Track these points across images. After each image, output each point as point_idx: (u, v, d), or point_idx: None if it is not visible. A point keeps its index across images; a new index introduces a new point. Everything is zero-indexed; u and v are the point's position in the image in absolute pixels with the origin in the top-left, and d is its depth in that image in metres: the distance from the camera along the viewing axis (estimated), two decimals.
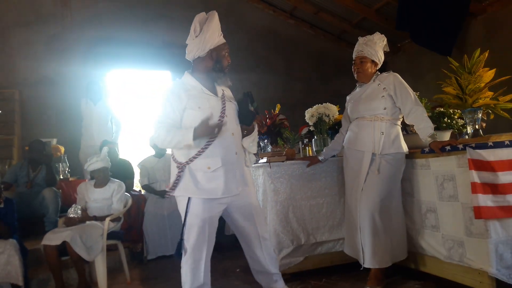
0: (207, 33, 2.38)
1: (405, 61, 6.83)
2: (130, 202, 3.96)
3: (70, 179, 5.38)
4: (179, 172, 2.36)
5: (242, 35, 7.19)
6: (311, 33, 7.50)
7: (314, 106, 3.72)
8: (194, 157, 2.35)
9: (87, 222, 3.58)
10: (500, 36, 5.16)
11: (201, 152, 2.35)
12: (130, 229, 4.52)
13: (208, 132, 2.29)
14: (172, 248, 4.51)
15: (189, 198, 2.33)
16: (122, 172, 4.83)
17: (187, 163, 2.35)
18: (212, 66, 2.44)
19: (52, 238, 3.27)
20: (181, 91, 2.39)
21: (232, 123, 2.47)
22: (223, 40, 2.46)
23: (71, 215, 3.62)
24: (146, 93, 7.14)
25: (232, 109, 2.51)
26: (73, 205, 3.75)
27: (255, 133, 2.61)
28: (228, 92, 2.60)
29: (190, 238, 2.34)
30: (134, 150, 6.56)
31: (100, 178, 3.87)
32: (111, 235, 3.61)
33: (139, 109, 7.06)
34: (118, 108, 5.92)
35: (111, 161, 4.35)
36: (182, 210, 2.38)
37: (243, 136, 2.56)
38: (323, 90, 6.95)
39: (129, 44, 6.57)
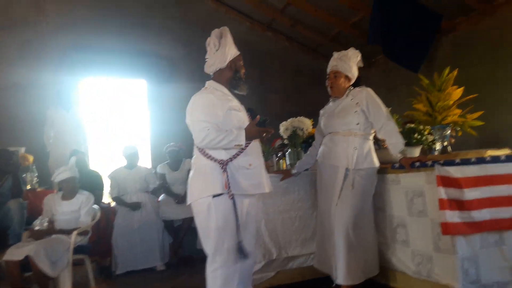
0: (226, 47, 2.58)
1: (379, 75, 6.96)
2: (98, 215, 3.86)
3: (38, 189, 5.21)
4: (223, 170, 2.42)
5: None
6: (288, 45, 7.57)
7: (289, 120, 3.73)
8: (238, 154, 2.45)
9: (53, 236, 3.46)
10: (468, 54, 5.32)
11: (243, 149, 2.46)
12: (98, 242, 4.39)
13: (257, 136, 2.47)
14: (142, 262, 4.41)
15: (233, 196, 2.40)
16: (92, 183, 4.71)
17: (230, 160, 2.44)
18: (232, 75, 2.63)
19: (15, 253, 3.14)
20: (221, 95, 2.55)
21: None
22: (238, 52, 2.67)
23: (37, 228, 3.49)
24: (120, 102, 7.02)
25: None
26: (40, 217, 3.63)
27: None
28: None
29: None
30: (105, 161, 6.41)
31: (68, 189, 3.75)
32: (77, 249, 3.50)
33: (113, 118, 6.92)
34: (90, 117, 5.80)
35: (80, 171, 4.24)
36: (226, 209, 2.38)
37: None
38: (299, 102, 6.98)
39: (105, 52, 6.46)
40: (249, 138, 2.43)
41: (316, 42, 7.26)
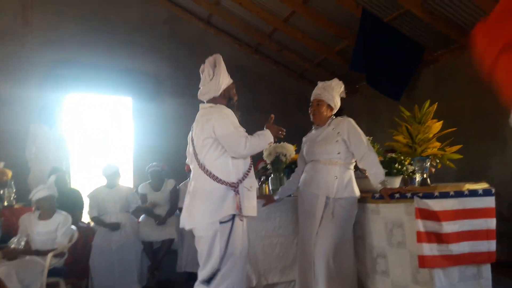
0: (220, 76, 2.65)
1: (362, 102, 7.08)
2: (76, 236, 3.77)
3: (16, 206, 5.07)
4: (235, 192, 2.49)
5: None
6: (275, 69, 7.67)
7: (272, 145, 3.74)
8: (245, 176, 2.57)
9: (27, 257, 3.36)
10: (449, 86, 5.46)
11: (249, 171, 2.60)
12: (75, 264, 4.28)
13: (277, 133, 2.75)
14: (120, 284, 4.31)
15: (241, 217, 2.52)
16: (71, 202, 4.62)
17: (240, 181, 2.53)
18: (226, 103, 2.70)
19: None
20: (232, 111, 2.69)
21: None
22: (231, 80, 2.75)
23: (13, 246, 3.39)
24: (104, 119, 6.97)
25: None
26: (17, 236, 3.53)
27: None
28: None
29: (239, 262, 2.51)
30: (87, 179, 6.31)
31: (45, 208, 3.67)
32: (52, 272, 3.40)
33: (96, 136, 6.85)
34: (74, 134, 5.73)
35: (60, 190, 4.17)
36: (239, 232, 2.51)
37: None
38: (285, 124, 6.99)
39: (91, 68, 6.45)
40: (272, 135, 2.67)
41: (302, 67, 7.37)
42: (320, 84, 3.16)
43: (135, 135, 6.72)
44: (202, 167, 2.55)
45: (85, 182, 6.17)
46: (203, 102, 2.75)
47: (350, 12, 5.29)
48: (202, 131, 2.58)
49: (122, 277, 4.32)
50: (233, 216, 2.49)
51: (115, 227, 4.49)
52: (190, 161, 2.76)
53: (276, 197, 3.33)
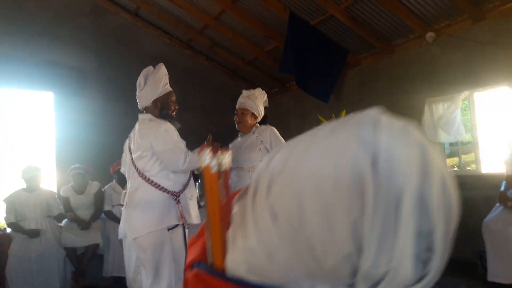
0: (149, 86, 2.67)
1: (292, 101, 7.28)
2: None
3: None
4: (176, 201, 2.52)
5: (135, 60, 6.99)
6: (208, 65, 7.60)
7: None
8: (186, 185, 2.62)
9: None
10: (371, 88, 5.80)
11: (189, 180, 2.63)
12: None
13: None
14: None
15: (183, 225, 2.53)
16: None
17: (181, 191, 2.57)
18: (159, 113, 2.70)
19: None
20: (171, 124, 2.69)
21: None
22: (169, 89, 2.74)
23: None
24: (24, 116, 6.52)
25: None
26: None
27: None
28: None
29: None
30: (4, 182, 5.89)
31: None
32: None
33: (14, 134, 6.40)
34: None
35: None
36: (180, 241, 2.51)
37: None
38: (219, 121, 7.04)
39: (8, 61, 5.97)
40: None
41: (234, 64, 7.39)
42: (244, 93, 3.24)
43: (57, 133, 6.33)
44: (143, 176, 2.55)
45: (2, 186, 5.75)
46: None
47: (278, 14, 5.39)
48: (140, 144, 2.58)
49: (42, 286, 4.13)
50: (177, 225, 2.53)
51: (34, 233, 4.26)
52: (127, 170, 2.73)
53: (202, 204, 3.37)
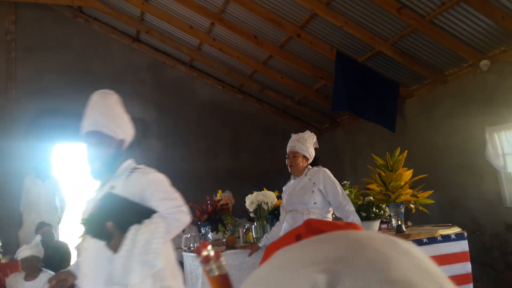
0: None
1: (344, 136, 7.23)
2: None
3: (2, 260, 5.04)
4: None
5: (192, 108, 7.40)
6: (258, 107, 7.83)
7: (254, 193, 3.84)
8: None
9: None
10: (426, 118, 5.63)
11: None
12: None
13: None
14: None
15: None
16: (58, 256, 4.62)
17: None
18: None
19: None
20: None
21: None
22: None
23: None
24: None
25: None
26: None
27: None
28: (122, 190, 1.83)
29: None
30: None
31: (29, 269, 3.68)
32: None
33: (86, 186, 6.86)
34: (64, 186, 5.82)
35: (47, 244, 4.18)
36: None
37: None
38: (270, 161, 7.15)
39: (77, 118, 6.47)
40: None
41: (284, 104, 7.55)
42: (293, 136, 3.30)
43: None
44: None
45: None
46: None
47: (325, 55, 5.50)
48: None
49: None
50: None
51: None
52: None
53: (260, 244, 3.40)
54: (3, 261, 5.02)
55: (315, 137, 3.32)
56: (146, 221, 1.71)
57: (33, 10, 6.63)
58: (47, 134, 6.32)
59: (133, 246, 1.65)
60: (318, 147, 3.33)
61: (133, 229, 1.67)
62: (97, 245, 1.73)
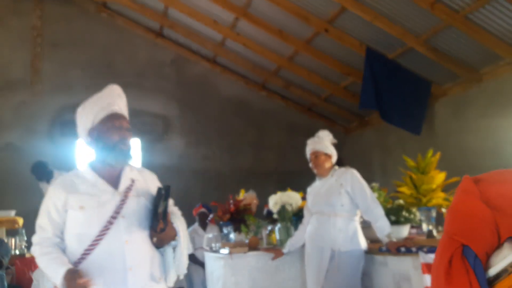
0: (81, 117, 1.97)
1: (373, 135, 7.01)
2: None
3: (27, 255, 5.10)
4: None
5: (214, 105, 7.33)
6: (283, 104, 7.68)
7: (278, 194, 3.73)
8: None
9: None
10: (460, 118, 5.38)
11: (77, 264, 1.71)
12: None
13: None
14: None
15: None
16: None
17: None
18: (96, 148, 1.92)
19: None
20: (61, 185, 1.85)
21: (131, 226, 1.77)
22: (106, 113, 1.88)
23: None
24: None
25: (139, 207, 1.83)
26: None
27: (179, 246, 1.87)
28: (146, 184, 1.93)
29: None
30: None
31: None
32: None
33: None
34: None
35: None
36: None
37: (156, 245, 1.85)
38: (294, 160, 7.00)
39: None
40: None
41: (310, 101, 7.39)
42: (310, 140, 3.20)
43: None
44: None
45: None
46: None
47: (354, 50, 5.33)
48: None
49: None
50: None
51: None
52: None
53: (284, 251, 3.31)
54: (28, 255, 5.08)
55: (330, 134, 3.19)
56: (179, 216, 1.96)
57: (58, 6, 6.70)
58: (70, 129, 6.36)
59: (185, 239, 1.88)
60: (336, 142, 3.18)
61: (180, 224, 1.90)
62: (141, 238, 1.79)
